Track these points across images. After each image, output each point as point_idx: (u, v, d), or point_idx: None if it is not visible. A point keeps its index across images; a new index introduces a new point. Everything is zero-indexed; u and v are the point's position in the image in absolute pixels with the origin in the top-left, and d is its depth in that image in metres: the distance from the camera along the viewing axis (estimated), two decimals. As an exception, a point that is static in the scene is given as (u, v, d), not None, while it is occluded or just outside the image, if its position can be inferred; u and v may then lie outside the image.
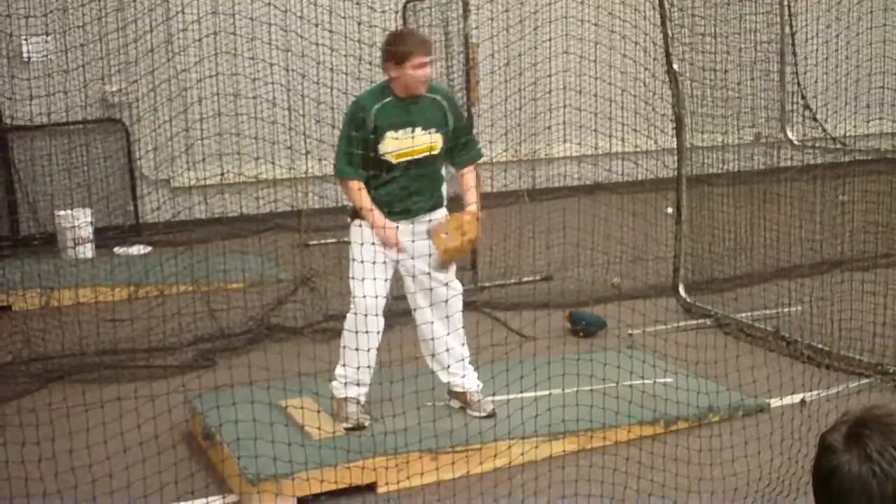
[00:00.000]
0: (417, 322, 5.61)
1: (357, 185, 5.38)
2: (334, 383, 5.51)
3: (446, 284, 5.54)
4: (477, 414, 5.56)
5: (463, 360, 5.62)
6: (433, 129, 5.40)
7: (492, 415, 5.54)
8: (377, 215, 5.34)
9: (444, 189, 5.66)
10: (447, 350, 5.54)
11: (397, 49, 5.30)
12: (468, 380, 5.64)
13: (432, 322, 5.50)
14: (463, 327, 5.64)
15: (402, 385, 5.54)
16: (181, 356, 7.04)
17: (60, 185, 10.71)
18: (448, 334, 5.53)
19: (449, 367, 5.59)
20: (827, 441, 1.69)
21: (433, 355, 5.58)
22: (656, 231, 9.43)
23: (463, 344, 5.64)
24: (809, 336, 6.95)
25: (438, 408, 5.59)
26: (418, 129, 5.36)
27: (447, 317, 5.53)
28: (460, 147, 5.55)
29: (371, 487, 5.03)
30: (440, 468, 5.11)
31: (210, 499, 4.96)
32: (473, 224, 5.50)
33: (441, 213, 5.57)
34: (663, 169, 9.08)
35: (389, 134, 5.33)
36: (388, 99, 5.37)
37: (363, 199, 5.37)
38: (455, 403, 5.69)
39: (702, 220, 8.49)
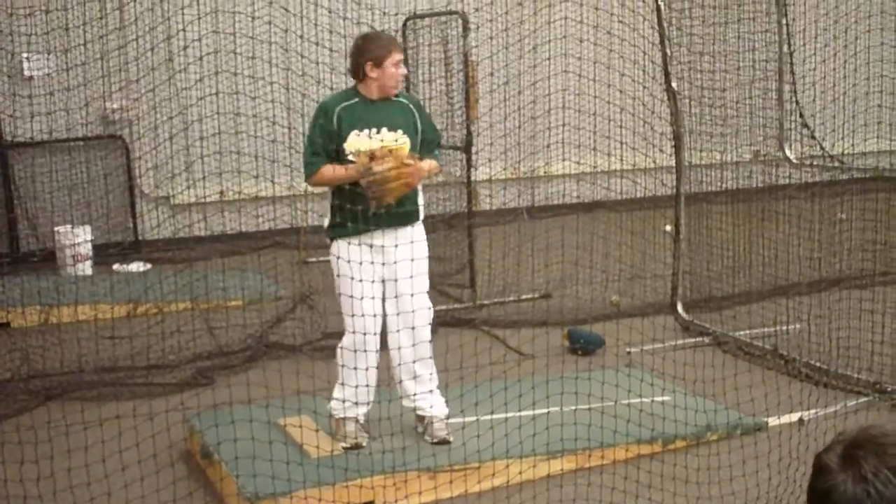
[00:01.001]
0: (391, 346, 5.49)
1: (329, 168, 5.29)
2: (332, 403, 5.50)
3: (422, 308, 5.43)
4: (429, 439, 5.49)
5: (432, 390, 5.54)
6: (401, 131, 5.34)
7: (444, 442, 5.45)
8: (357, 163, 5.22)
9: (421, 201, 5.55)
10: (414, 378, 5.49)
11: (376, 49, 5.31)
12: (436, 409, 5.56)
13: (408, 347, 5.44)
14: (431, 358, 5.54)
15: (399, 403, 5.55)
16: (180, 374, 7.04)
17: (60, 202, 10.72)
18: (414, 361, 5.46)
19: (415, 395, 5.51)
20: (822, 461, 1.69)
21: (401, 381, 5.52)
22: (654, 249, 9.45)
23: (431, 374, 5.53)
24: (807, 354, 6.95)
25: (450, 424, 5.57)
26: (384, 130, 5.30)
27: (413, 344, 5.43)
28: (427, 155, 5.45)
29: None
30: (438, 487, 5.11)
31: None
32: (411, 162, 5.23)
33: (419, 229, 5.48)
34: (662, 187, 9.11)
35: (353, 133, 5.28)
36: (354, 100, 5.36)
37: (336, 169, 5.26)
38: (419, 428, 5.63)
39: (700, 237, 8.51)
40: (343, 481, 4.95)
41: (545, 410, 5.56)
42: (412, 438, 5.38)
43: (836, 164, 8.70)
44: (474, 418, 5.51)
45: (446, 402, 5.61)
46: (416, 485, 5.05)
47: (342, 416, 5.46)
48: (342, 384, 5.44)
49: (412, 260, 5.35)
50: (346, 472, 4.98)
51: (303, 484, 4.86)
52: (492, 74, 9.19)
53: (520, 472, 5.24)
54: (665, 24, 7.69)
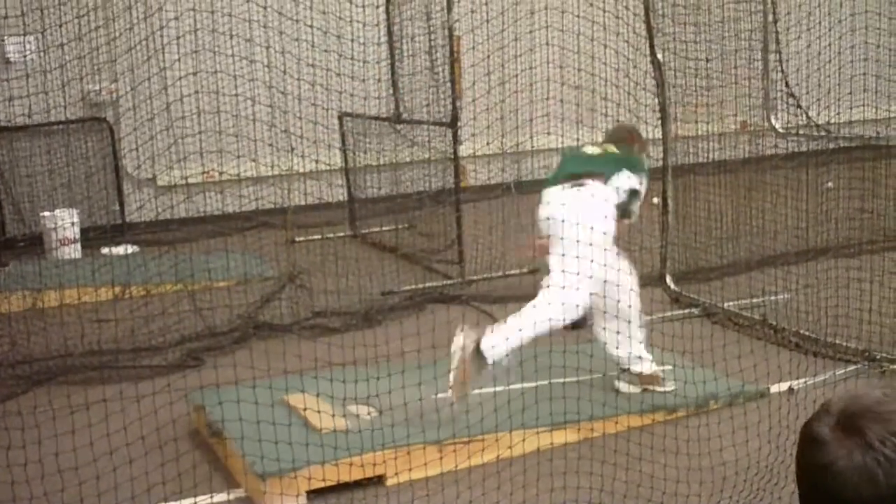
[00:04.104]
0: None
1: None
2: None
3: None
4: None
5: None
6: None
7: None
8: None
9: None
10: None
11: None
12: None
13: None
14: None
15: (401, 377, 5.51)
16: (168, 356, 7.01)
17: (46, 186, 10.66)
18: None
19: None
20: (814, 434, 1.62)
21: None
22: (642, 221, 9.38)
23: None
24: (797, 324, 6.95)
25: (440, 399, 5.55)
26: None
27: None
28: None
29: (379, 480, 5.03)
30: (444, 459, 5.10)
31: (215, 495, 4.93)
32: None
33: None
34: (648, 159, 9.05)
35: None
36: None
37: None
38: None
39: (688, 209, 8.49)
40: (353, 455, 4.93)
41: (534, 384, 5.55)
42: (417, 411, 5.32)
43: (823, 133, 8.67)
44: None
45: None
46: (420, 458, 5.05)
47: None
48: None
49: None
50: (354, 447, 4.96)
51: (312, 460, 4.86)
52: (474, 48, 9.12)
53: (510, 447, 5.22)
54: (649, -5, 7.64)
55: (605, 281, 5.55)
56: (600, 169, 5.83)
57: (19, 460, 4.66)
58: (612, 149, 6.07)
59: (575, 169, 5.92)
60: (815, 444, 1.62)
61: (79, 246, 10.02)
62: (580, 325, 7.33)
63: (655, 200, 9.04)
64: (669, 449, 5.13)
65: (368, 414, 5.47)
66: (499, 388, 5.55)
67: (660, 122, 7.83)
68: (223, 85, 8.72)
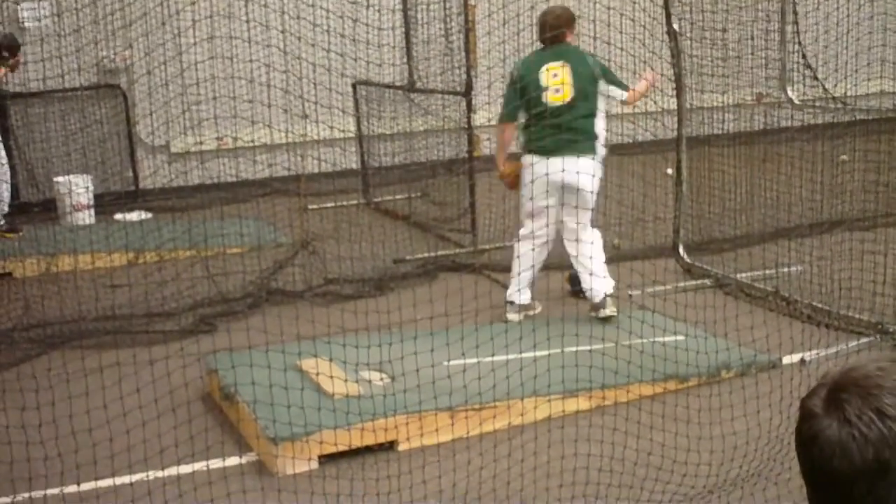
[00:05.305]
0: None
1: None
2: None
3: None
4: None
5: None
6: None
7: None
8: None
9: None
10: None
11: None
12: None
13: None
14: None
15: (413, 344, 5.52)
16: (181, 321, 7.04)
17: (60, 151, 10.68)
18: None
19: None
20: (807, 407, 1.66)
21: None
22: (656, 192, 9.40)
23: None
24: (809, 295, 6.94)
25: (452, 366, 5.57)
26: None
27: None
28: None
29: (391, 445, 5.06)
30: (455, 425, 5.13)
31: (227, 459, 4.96)
32: None
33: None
34: (663, 130, 9.04)
35: None
36: None
37: None
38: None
39: (702, 180, 8.47)
40: (365, 420, 4.96)
41: (546, 352, 5.56)
42: (430, 378, 5.35)
43: (839, 105, 8.64)
44: (475, 360, 5.50)
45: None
46: (432, 424, 5.07)
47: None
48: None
49: None
50: (366, 412, 4.98)
51: (325, 424, 4.89)
52: (489, 16, 9.08)
53: (521, 414, 5.25)
54: (665, -36, 7.58)
55: None
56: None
57: (34, 421, 4.70)
58: (567, 67, 6.66)
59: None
60: (805, 417, 1.66)
61: (92, 212, 10.07)
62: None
63: (670, 171, 9.04)
64: (681, 418, 5.14)
65: (381, 380, 5.49)
66: (511, 356, 5.56)
67: (675, 92, 7.80)
68: (238, 51, 8.72)
